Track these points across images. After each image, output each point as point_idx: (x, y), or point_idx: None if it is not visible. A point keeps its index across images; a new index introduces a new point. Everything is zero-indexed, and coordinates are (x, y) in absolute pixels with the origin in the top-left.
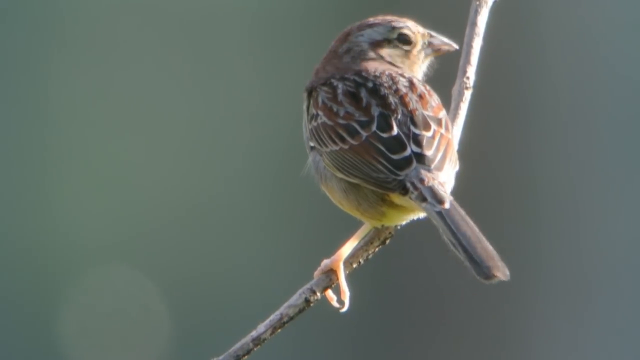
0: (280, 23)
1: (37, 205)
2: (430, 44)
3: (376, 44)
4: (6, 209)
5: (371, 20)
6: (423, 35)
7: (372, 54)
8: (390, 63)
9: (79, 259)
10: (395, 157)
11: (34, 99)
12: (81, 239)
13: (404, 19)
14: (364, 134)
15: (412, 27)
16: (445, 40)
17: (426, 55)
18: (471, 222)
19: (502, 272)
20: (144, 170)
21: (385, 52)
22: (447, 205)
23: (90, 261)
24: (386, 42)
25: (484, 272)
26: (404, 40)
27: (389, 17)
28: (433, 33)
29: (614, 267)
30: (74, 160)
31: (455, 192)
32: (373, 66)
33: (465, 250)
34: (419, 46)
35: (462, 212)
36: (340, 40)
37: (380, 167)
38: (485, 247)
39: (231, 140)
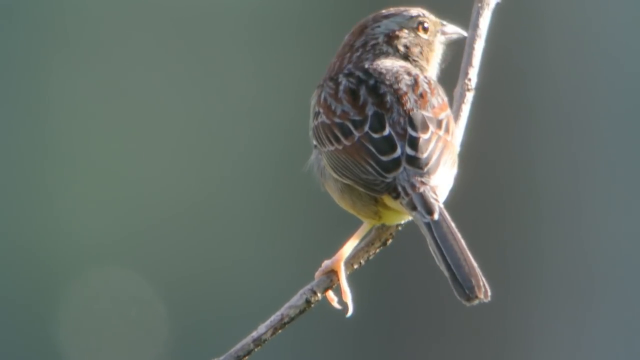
0: (277, 21)
1: (37, 204)
2: (443, 32)
3: (393, 36)
4: (6, 208)
5: (384, 12)
6: (436, 23)
7: (386, 48)
8: (405, 56)
9: (79, 258)
10: (384, 158)
11: (34, 98)
12: (81, 237)
13: (417, 8)
14: (356, 134)
15: (428, 15)
16: (456, 27)
17: (440, 44)
18: (458, 236)
19: (483, 293)
20: (144, 169)
21: (402, 42)
22: (436, 217)
23: (89, 260)
24: (404, 31)
25: (466, 293)
26: (424, 28)
27: (402, 8)
28: (443, 21)
29: (617, 267)
30: (74, 159)
31: (456, 194)
32: (382, 62)
33: (449, 268)
34: (435, 34)
35: (451, 224)
36: (355, 33)
37: (369, 168)
38: (470, 265)
39: (231, 139)
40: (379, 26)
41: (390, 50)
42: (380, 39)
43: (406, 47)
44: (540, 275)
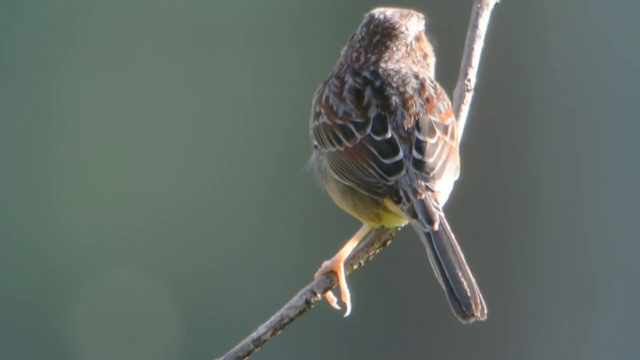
0: (275, 23)
1: (41, 204)
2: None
3: (419, 39)
4: (9, 207)
5: (396, 13)
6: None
7: (411, 50)
8: (422, 58)
9: (82, 257)
10: (386, 161)
11: (37, 99)
12: (84, 236)
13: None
14: (358, 136)
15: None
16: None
17: None
18: (458, 249)
19: (480, 311)
20: (147, 169)
21: (424, 45)
22: (436, 227)
23: (92, 259)
24: (423, 34)
25: (463, 311)
26: (424, 30)
27: (405, 9)
28: None
29: (618, 269)
30: (77, 159)
31: (455, 195)
32: (396, 65)
33: (447, 283)
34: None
35: (451, 235)
36: (385, 35)
37: (371, 171)
38: (468, 281)
39: (232, 139)
40: (406, 28)
41: (417, 54)
42: (409, 41)
43: (426, 49)
44: (542, 277)
